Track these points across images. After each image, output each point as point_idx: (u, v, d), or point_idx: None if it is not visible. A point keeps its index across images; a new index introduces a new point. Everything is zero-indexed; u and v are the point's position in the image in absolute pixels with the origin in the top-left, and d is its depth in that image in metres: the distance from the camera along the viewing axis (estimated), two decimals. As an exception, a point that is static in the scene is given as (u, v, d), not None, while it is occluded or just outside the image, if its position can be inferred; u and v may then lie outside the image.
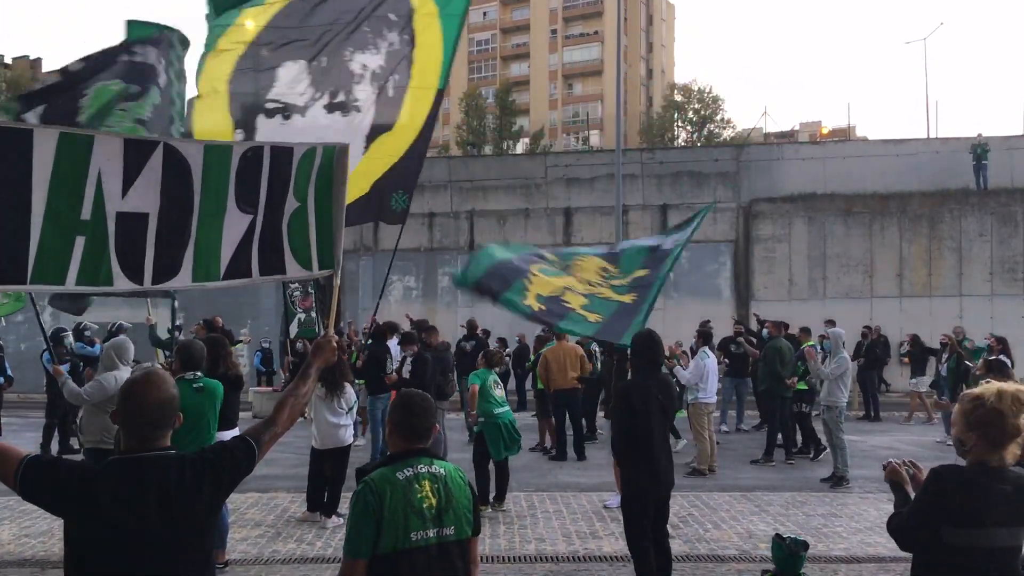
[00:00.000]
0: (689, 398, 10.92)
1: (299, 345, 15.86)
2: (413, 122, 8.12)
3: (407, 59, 7.91)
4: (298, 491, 9.03)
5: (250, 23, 7.56)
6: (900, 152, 23.05)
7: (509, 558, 7.17)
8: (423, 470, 3.09)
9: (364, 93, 7.84)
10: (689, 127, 60.37)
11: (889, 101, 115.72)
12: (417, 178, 8.71)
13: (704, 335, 11.22)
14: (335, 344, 3.34)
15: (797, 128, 70.49)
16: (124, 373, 6.53)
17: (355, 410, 8.34)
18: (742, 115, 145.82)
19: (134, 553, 2.49)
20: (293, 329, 16.22)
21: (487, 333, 16.88)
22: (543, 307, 7.33)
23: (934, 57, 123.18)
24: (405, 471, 3.06)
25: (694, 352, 11.31)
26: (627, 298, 7.50)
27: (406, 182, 8.40)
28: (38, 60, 62.38)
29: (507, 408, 9.03)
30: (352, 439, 8.37)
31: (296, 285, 16.28)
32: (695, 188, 23.24)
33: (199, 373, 5.90)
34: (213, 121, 7.35)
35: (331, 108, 7.86)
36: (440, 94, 8.16)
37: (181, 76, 7.63)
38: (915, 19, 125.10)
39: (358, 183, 7.97)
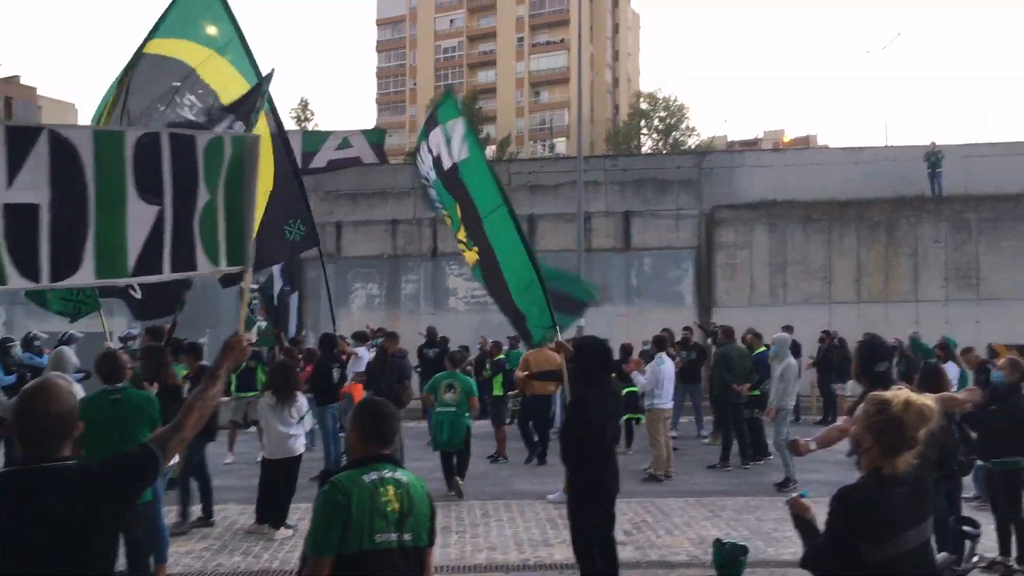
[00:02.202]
0: (645, 404, 10.94)
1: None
2: (263, 150, 8.04)
3: (216, 103, 7.80)
4: (249, 503, 8.88)
5: None
6: (858, 160, 23.35)
7: (459, 568, 7.13)
8: (388, 475, 3.13)
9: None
10: (655, 135, 60.88)
11: (849, 110, 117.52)
12: (303, 200, 8.50)
13: (659, 341, 11.26)
14: (246, 344, 3.31)
15: (761, 137, 71.46)
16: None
17: (307, 419, 8.24)
18: (707, 123, 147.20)
19: (33, 564, 2.41)
20: (252, 337, 16.01)
21: (446, 340, 16.81)
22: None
23: (892, 67, 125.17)
24: (371, 475, 3.10)
25: (649, 359, 11.33)
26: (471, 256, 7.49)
27: (292, 208, 8.24)
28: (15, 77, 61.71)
29: (452, 410, 9.91)
30: (303, 449, 8.27)
31: (256, 295, 16.09)
32: (658, 195, 23.36)
33: (120, 385, 5.74)
34: None
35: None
36: (271, 112, 8.05)
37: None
38: (874, 30, 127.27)
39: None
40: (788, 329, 15.62)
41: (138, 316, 8.20)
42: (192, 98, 7.71)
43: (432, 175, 7.53)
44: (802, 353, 16.66)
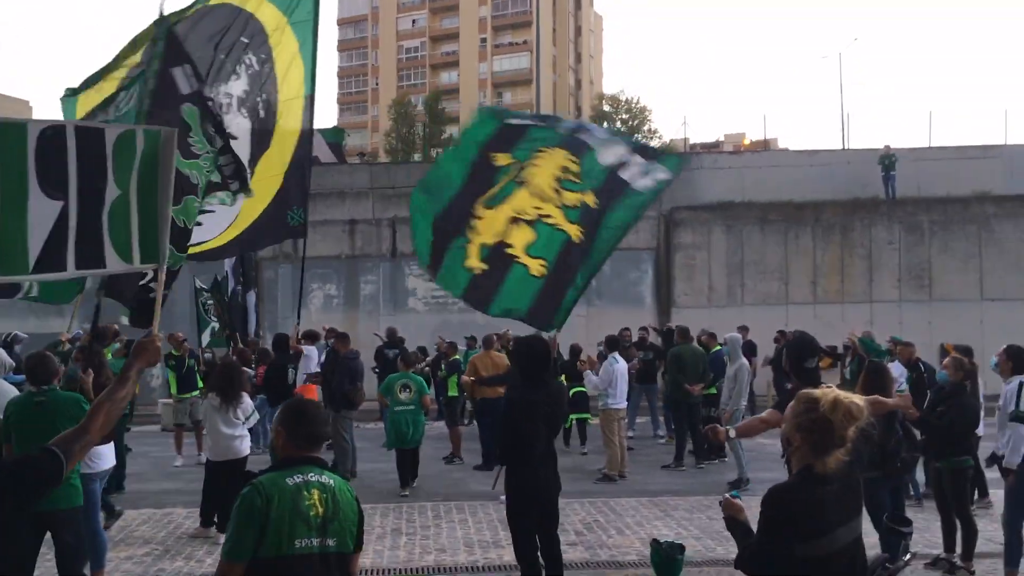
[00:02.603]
0: (599, 404, 10.91)
1: (208, 355, 15.39)
2: (289, 135, 8.15)
3: (271, 76, 7.90)
4: (195, 506, 8.70)
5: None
6: (814, 162, 23.63)
7: (406, 571, 7.04)
8: (313, 479, 3.03)
9: (236, 121, 7.84)
10: (617, 137, 61.14)
11: (806, 114, 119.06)
12: (307, 189, 8.67)
13: (611, 342, 11.25)
14: (158, 344, 3.20)
15: (722, 140, 72.12)
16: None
17: (252, 420, 8.08)
18: (669, 126, 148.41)
19: None
20: (206, 338, 15.73)
21: (403, 340, 16.68)
22: (484, 269, 6.52)
23: (848, 71, 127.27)
24: (295, 477, 3.01)
25: (603, 358, 11.30)
26: (574, 230, 6.53)
27: (297, 197, 8.37)
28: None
29: (411, 408, 10.18)
30: (248, 450, 8.10)
31: (209, 294, 15.80)
32: (617, 196, 23.41)
33: (46, 387, 5.56)
34: None
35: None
36: (310, 100, 8.26)
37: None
38: (831, 34, 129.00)
39: (253, 208, 7.96)
40: (743, 330, 15.77)
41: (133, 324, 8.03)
42: (252, 60, 7.79)
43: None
44: (758, 353, 16.82)
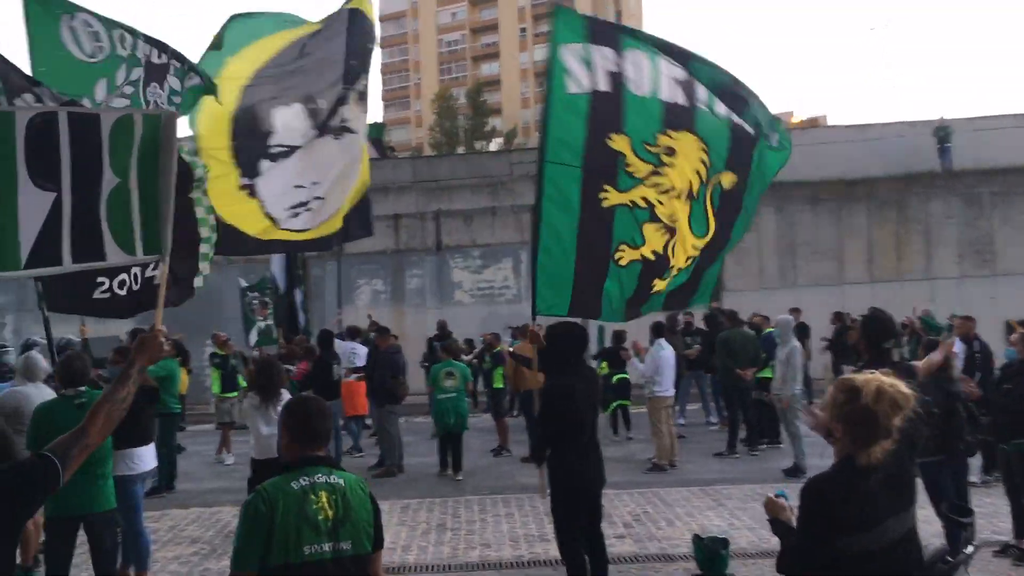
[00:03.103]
0: (646, 392, 10.67)
1: (255, 353, 15.50)
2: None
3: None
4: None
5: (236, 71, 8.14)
6: (865, 137, 22.91)
7: (451, 566, 6.91)
8: (320, 480, 2.89)
9: (352, 113, 8.56)
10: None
11: (856, 89, 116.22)
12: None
13: (657, 327, 10.97)
14: (161, 340, 3.07)
15: (770, 119, 70.76)
16: (31, 390, 6.21)
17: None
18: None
19: None
20: (253, 337, 15.84)
21: (449, 333, 16.63)
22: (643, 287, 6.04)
23: (897, 41, 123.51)
24: (301, 480, 2.87)
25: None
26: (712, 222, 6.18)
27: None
28: None
29: (454, 395, 10.54)
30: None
31: (255, 293, 15.90)
32: (662, 180, 23.01)
33: (83, 388, 5.54)
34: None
35: (336, 133, 8.54)
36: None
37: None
38: (878, 4, 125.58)
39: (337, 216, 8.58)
40: (795, 311, 15.33)
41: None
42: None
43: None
44: (811, 335, 16.35)
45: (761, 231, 22.29)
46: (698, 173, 6.09)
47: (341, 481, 2.93)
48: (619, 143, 5.86)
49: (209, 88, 7.37)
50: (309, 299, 22.63)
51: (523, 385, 11.42)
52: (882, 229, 21.85)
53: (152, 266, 5.70)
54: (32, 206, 3.03)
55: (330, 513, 2.84)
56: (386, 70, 77.67)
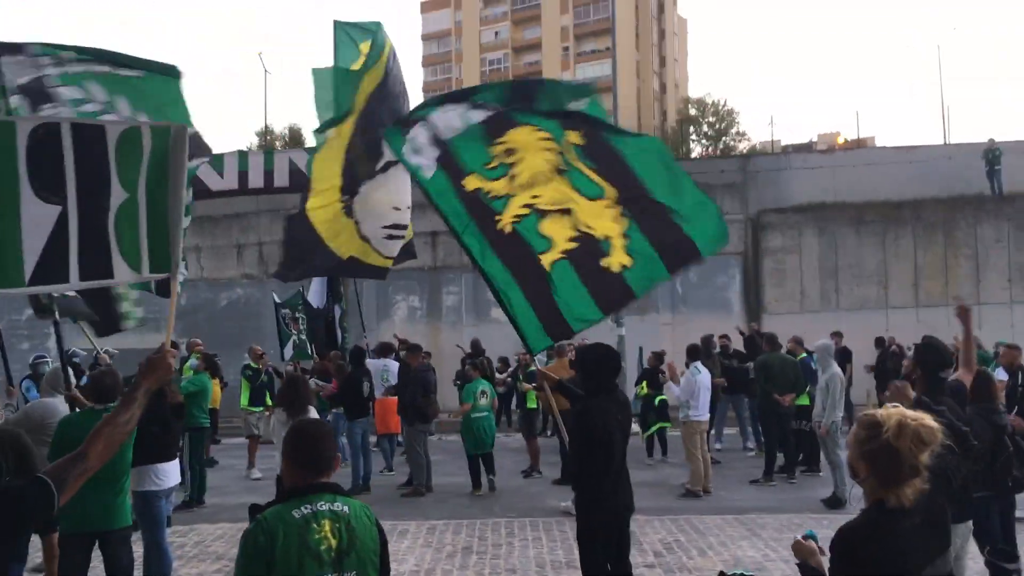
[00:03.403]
0: (680, 416, 10.44)
1: (290, 367, 15.54)
2: None
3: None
4: (269, 521, 8.66)
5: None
6: (912, 159, 22.43)
7: (474, 592, 6.75)
8: (323, 508, 2.77)
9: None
10: (704, 141, 60.03)
11: (904, 110, 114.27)
12: None
13: (692, 350, 10.75)
14: (171, 361, 2.98)
15: (815, 140, 69.93)
16: (58, 402, 6.22)
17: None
18: (758, 128, 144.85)
19: None
20: (288, 352, 15.90)
21: (483, 351, 16.54)
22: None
23: (947, 62, 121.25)
24: (303, 509, 2.75)
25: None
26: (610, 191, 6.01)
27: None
28: None
29: (486, 414, 10.82)
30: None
31: (286, 309, 15.96)
32: (702, 200, 22.73)
33: (112, 404, 5.53)
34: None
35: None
36: None
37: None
38: (928, 25, 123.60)
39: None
40: (836, 336, 15.02)
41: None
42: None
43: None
44: (853, 361, 15.97)
45: (803, 253, 21.93)
46: (547, 150, 6.05)
47: (346, 508, 2.81)
48: (471, 182, 5.93)
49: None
50: (346, 316, 22.77)
51: (562, 406, 11.26)
52: (929, 252, 21.34)
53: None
54: (36, 220, 2.95)
55: (333, 543, 2.73)
56: (428, 88, 78.27)
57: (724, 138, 59.33)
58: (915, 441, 2.48)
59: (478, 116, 6.15)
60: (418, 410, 10.53)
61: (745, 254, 22.40)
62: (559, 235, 5.86)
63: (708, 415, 10.53)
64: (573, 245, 5.84)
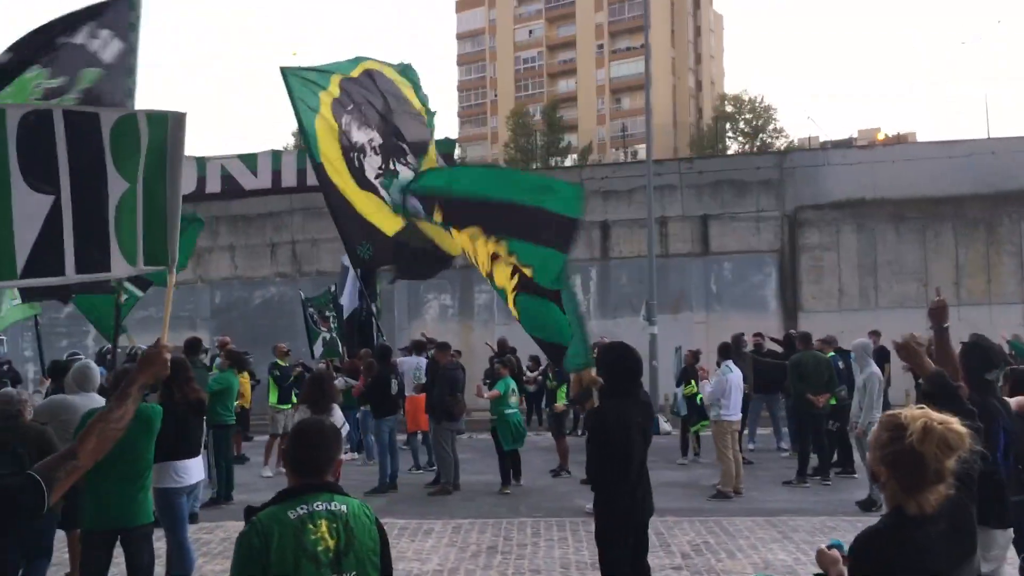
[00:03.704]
0: (711, 415, 10.25)
1: (322, 365, 15.59)
2: None
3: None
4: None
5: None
6: (954, 154, 21.87)
7: (496, 592, 6.66)
8: (320, 508, 2.70)
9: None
10: (741, 138, 59.36)
11: (947, 105, 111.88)
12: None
13: (724, 348, 10.54)
14: (166, 357, 2.90)
15: (855, 136, 68.77)
16: (76, 399, 6.23)
17: (343, 432, 7.90)
18: (797, 124, 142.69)
19: None
20: (318, 349, 15.96)
21: (514, 350, 16.45)
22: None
23: (992, 56, 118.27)
24: (298, 509, 2.68)
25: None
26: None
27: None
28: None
29: (516, 411, 11.05)
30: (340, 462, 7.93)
31: (312, 309, 16.00)
32: (737, 197, 22.41)
33: None
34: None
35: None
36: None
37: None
38: (971, 18, 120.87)
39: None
40: (874, 335, 14.67)
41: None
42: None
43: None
44: (892, 360, 15.60)
45: (841, 250, 21.54)
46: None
47: (343, 508, 2.73)
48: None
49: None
50: (380, 314, 22.83)
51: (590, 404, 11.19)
52: (970, 250, 20.83)
53: None
54: (28, 210, 2.86)
55: (331, 543, 2.65)
56: (463, 87, 78.43)
57: (761, 135, 58.58)
58: (941, 446, 2.34)
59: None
60: (445, 408, 10.46)
61: (781, 251, 22.05)
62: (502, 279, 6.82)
63: (740, 415, 10.32)
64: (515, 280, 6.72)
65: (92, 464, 2.58)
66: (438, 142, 27.87)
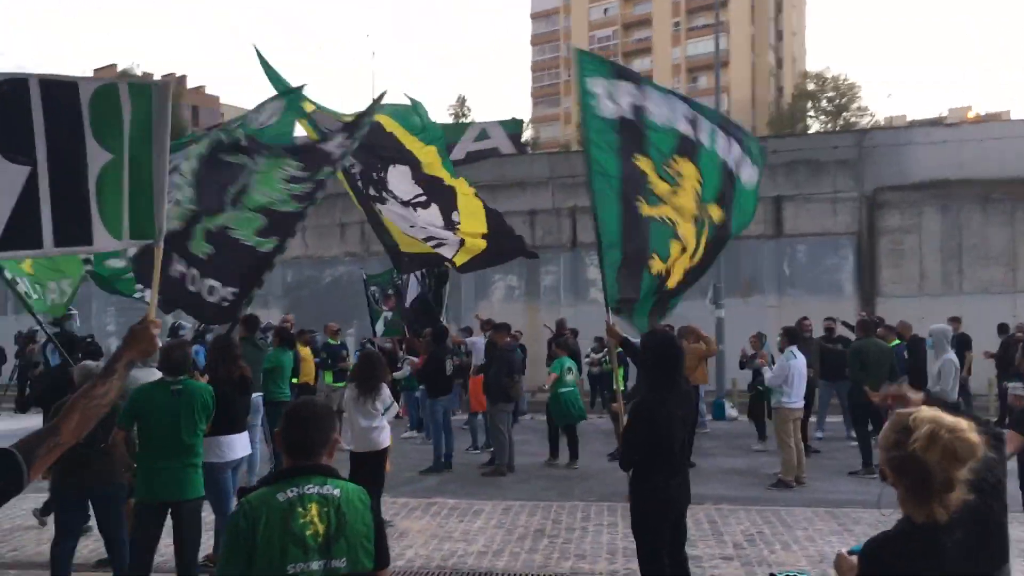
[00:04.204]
0: (772, 402, 9.92)
1: (388, 344, 15.72)
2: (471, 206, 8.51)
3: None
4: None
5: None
6: (1047, 132, 20.74)
7: (538, 576, 6.56)
8: (312, 491, 2.63)
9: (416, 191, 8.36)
10: (823, 117, 57.55)
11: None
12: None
13: (790, 333, 10.16)
14: (153, 333, 2.83)
15: (944, 114, 65.99)
16: (137, 371, 6.35)
17: (391, 412, 7.90)
18: (882, 104, 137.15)
19: None
20: (379, 328, 16.09)
21: (576, 332, 16.33)
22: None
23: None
24: (288, 492, 2.62)
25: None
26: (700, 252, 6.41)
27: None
28: (183, 77, 65.76)
29: (573, 388, 11.29)
30: (388, 442, 7.92)
31: (375, 286, 16.12)
32: (812, 177, 21.67)
33: (181, 376, 5.58)
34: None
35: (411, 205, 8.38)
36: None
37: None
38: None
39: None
40: (954, 321, 14.06)
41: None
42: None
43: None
44: (972, 347, 14.90)
45: (923, 232, 20.65)
46: (695, 201, 6.23)
47: (336, 492, 2.65)
48: (643, 163, 6.05)
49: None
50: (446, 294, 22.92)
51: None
52: (1063, 233, 19.72)
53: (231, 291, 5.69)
54: (3, 181, 2.80)
55: (320, 528, 2.58)
56: (536, 67, 77.98)
57: (844, 114, 56.69)
58: (947, 456, 2.13)
59: (683, 127, 6.31)
60: (502, 389, 10.39)
61: (859, 234, 21.27)
62: (673, 258, 6.13)
63: (802, 402, 9.93)
64: (665, 274, 6.12)
65: (75, 441, 2.54)
66: (504, 122, 27.55)
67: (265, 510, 2.57)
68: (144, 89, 3.05)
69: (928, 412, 2.21)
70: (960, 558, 2.14)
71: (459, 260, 8.50)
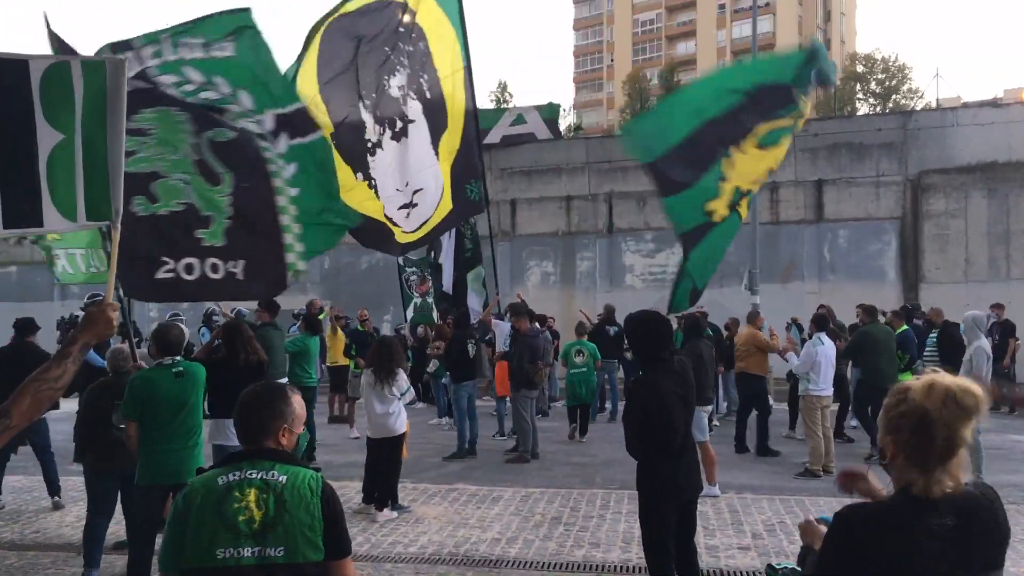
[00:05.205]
0: (799, 390, 9.71)
1: (419, 330, 15.77)
2: (456, 110, 8.25)
3: (427, 55, 7.92)
4: (369, 480, 8.73)
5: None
6: (1102, 111, 19.96)
7: (550, 565, 6.49)
8: (254, 476, 2.58)
9: (412, 108, 7.98)
10: (872, 99, 56.24)
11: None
12: (480, 162, 8.81)
13: (819, 320, 9.91)
14: (111, 315, 2.78)
15: (1000, 96, 63.93)
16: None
17: (407, 397, 7.90)
18: (934, 86, 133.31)
19: None
20: (410, 313, 16.17)
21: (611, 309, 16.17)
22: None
23: None
24: (230, 476, 2.58)
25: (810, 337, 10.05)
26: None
27: (472, 171, 8.54)
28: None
29: (584, 370, 11.98)
30: (405, 427, 7.93)
31: (413, 268, 16.16)
32: (855, 161, 21.15)
33: (178, 358, 5.62)
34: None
35: (397, 136, 7.87)
36: (468, 72, 8.36)
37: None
38: None
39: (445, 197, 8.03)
40: (998, 308, 13.70)
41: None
42: (408, 47, 7.92)
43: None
44: (1016, 334, 14.46)
45: (969, 216, 20.05)
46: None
47: (283, 478, 2.58)
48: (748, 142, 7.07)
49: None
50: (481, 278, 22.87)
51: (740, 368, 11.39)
52: (1118, 216, 19.00)
53: (232, 263, 5.54)
54: None
55: (256, 514, 2.51)
56: (579, 52, 77.35)
57: (895, 96, 55.31)
58: (950, 404, 1.97)
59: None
60: (525, 376, 10.34)
61: (903, 218, 20.73)
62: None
63: (831, 390, 9.70)
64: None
65: (26, 424, 2.53)
66: (541, 107, 27.17)
67: (203, 492, 2.54)
68: (98, 65, 3.00)
69: (931, 375, 2.07)
70: (942, 548, 1.96)
71: (421, 232, 8.09)
